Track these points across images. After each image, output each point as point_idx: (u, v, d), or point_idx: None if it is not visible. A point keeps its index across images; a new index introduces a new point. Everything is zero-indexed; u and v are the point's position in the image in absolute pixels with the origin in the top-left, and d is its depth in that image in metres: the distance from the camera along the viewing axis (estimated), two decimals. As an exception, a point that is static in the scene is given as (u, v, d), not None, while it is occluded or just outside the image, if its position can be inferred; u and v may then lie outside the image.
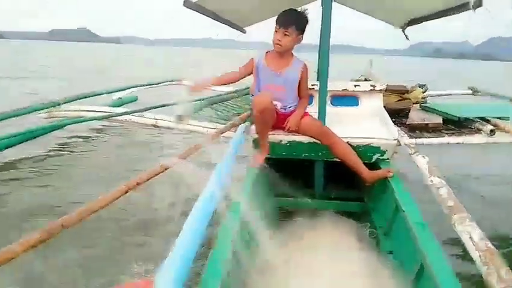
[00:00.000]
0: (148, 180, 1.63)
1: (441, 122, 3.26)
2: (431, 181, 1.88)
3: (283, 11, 2.50)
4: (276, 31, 2.47)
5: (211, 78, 2.81)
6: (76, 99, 3.54)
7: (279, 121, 2.60)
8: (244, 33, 5.09)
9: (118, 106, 4.31)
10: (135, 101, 5.41)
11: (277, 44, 2.48)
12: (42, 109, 3.10)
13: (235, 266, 1.50)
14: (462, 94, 5.99)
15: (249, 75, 2.70)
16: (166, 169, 1.72)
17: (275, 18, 2.51)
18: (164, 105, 3.40)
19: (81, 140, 4.91)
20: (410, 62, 52.57)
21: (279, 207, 2.60)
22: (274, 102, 2.51)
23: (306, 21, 2.51)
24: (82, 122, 2.92)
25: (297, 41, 2.52)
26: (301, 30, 2.49)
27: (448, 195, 1.70)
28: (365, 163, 2.51)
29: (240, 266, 1.55)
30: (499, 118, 3.23)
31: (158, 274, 1.00)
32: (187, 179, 1.66)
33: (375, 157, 2.62)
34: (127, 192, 1.51)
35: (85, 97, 3.81)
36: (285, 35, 2.45)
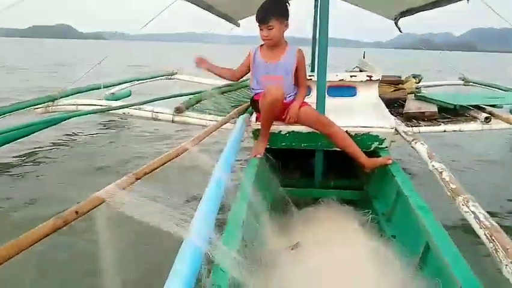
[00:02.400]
0: (156, 169, 1.64)
1: (437, 110, 3.31)
2: (433, 166, 1.92)
3: (260, 7, 2.50)
4: (260, 29, 2.51)
5: (216, 66, 2.81)
6: (71, 94, 3.51)
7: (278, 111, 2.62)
8: (238, 26, 5.10)
9: (113, 101, 4.28)
10: (129, 96, 5.38)
11: (265, 39, 2.53)
12: (38, 104, 3.08)
13: (244, 252, 1.52)
14: (454, 84, 6.07)
15: (249, 70, 2.72)
16: (172, 158, 1.73)
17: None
18: (163, 98, 3.40)
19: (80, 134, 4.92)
20: (394, 54, 52.96)
21: (282, 198, 2.62)
22: None
23: (285, 6, 2.53)
24: (79, 115, 2.90)
25: (284, 28, 2.55)
26: (283, 16, 2.51)
27: (450, 178, 1.74)
28: (364, 152, 2.54)
29: (249, 253, 1.57)
30: (493, 106, 3.29)
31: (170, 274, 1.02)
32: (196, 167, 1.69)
33: (373, 145, 2.65)
34: (137, 179, 1.52)
35: (80, 92, 3.77)
36: (269, 29, 2.48)
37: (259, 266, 1.64)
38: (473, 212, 1.38)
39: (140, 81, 5.32)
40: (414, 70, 5.16)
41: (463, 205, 1.47)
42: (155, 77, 5.62)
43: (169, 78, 5.82)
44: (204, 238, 1.23)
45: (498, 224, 1.32)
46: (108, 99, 4.22)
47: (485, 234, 1.25)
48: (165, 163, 1.63)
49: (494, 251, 1.17)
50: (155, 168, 1.56)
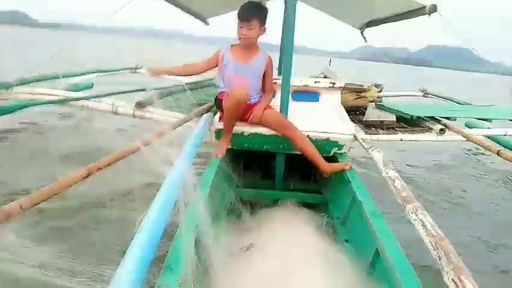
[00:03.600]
0: (109, 165, 1.60)
1: (395, 120, 3.42)
2: (387, 173, 1.98)
3: (243, 5, 2.53)
4: (240, 26, 2.50)
5: (173, 67, 2.81)
6: (28, 82, 3.36)
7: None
8: (208, 24, 5.05)
9: (73, 91, 4.14)
10: (91, 87, 5.19)
11: (243, 37, 2.53)
12: (-10, 91, 2.93)
13: (197, 253, 1.51)
14: (414, 95, 6.29)
15: (215, 67, 2.71)
16: (127, 155, 1.68)
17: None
18: (124, 92, 3.32)
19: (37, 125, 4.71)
20: (354, 64, 54.39)
21: (240, 198, 2.62)
22: None
23: (267, 12, 2.57)
24: (35, 105, 2.78)
25: (261, 32, 2.59)
26: (263, 21, 2.56)
27: (401, 186, 1.80)
28: (323, 156, 2.58)
29: (202, 256, 1.56)
30: (447, 118, 3.44)
31: (117, 270, 0.97)
32: (148, 165, 1.65)
33: (333, 151, 2.71)
34: (87, 176, 1.47)
35: (38, 80, 3.61)
36: (249, 28, 2.51)
37: (211, 267, 1.64)
38: (421, 220, 1.44)
39: (103, 73, 5.16)
40: (374, 80, 5.32)
41: (412, 213, 1.52)
42: (118, 70, 5.47)
43: (133, 72, 5.69)
44: (155, 237, 1.20)
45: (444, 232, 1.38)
46: (70, 90, 4.08)
47: (430, 242, 1.30)
48: (119, 159, 1.59)
49: (438, 258, 1.22)
50: (109, 164, 1.52)
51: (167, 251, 1.38)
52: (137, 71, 5.75)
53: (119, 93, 3.28)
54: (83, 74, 4.77)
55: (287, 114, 2.64)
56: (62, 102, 2.92)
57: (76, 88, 4.57)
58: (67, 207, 2.57)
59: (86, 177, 1.49)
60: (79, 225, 2.45)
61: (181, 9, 4.03)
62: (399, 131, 3.23)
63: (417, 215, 1.49)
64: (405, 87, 7.05)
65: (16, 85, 3.16)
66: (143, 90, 3.29)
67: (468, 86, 26.36)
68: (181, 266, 1.28)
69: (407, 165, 4.52)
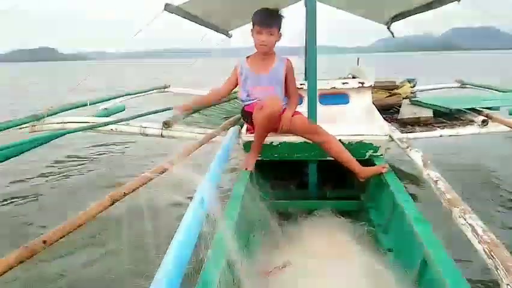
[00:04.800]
0: (135, 190, 1.56)
1: (432, 115, 3.24)
2: (428, 175, 1.83)
3: (260, 12, 2.47)
4: (259, 32, 2.44)
5: (200, 98, 2.74)
6: (59, 112, 3.44)
7: None
8: (230, 37, 5.04)
9: (105, 117, 4.21)
10: (123, 110, 5.30)
11: (263, 45, 2.46)
12: (24, 123, 3.00)
13: (230, 274, 1.43)
14: (450, 87, 6.00)
15: (236, 85, 2.65)
16: (153, 177, 1.64)
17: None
18: (150, 113, 3.32)
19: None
20: (378, 58, 52.97)
21: (274, 211, 2.54)
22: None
23: (282, 18, 2.50)
24: (65, 134, 2.82)
25: (278, 39, 2.52)
26: (280, 27, 2.49)
27: (445, 188, 1.65)
28: (359, 160, 2.46)
29: (235, 274, 1.49)
30: (489, 108, 3.21)
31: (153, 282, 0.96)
32: (178, 185, 1.60)
33: (368, 154, 2.58)
34: (112, 204, 1.44)
35: (69, 109, 3.71)
36: (270, 34, 2.45)
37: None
38: (470, 225, 1.30)
39: (132, 96, 5.24)
40: (405, 74, 5.05)
41: (459, 217, 1.38)
42: (147, 91, 5.55)
43: (162, 92, 5.75)
44: (182, 265, 1.14)
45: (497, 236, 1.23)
46: (101, 115, 4.15)
47: (484, 250, 1.16)
48: (145, 183, 1.54)
49: (494, 269, 1.09)
50: (134, 189, 1.47)
51: (198, 276, 1.32)
52: (166, 90, 5.82)
53: (146, 114, 3.30)
54: (111, 98, 4.85)
55: (316, 119, 2.54)
56: (91, 128, 2.95)
57: (107, 113, 4.67)
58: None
59: (111, 205, 1.46)
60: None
61: (202, 24, 4.03)
62: (438, 127, 3.04)
63: (465, 219, 1.35)
64: (432, 79, 6.69)
65: (48, 115, 3.24)
66: (169, 109, 3.28)
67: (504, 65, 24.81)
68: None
69: (449, 163, 4.22)
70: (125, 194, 1.52)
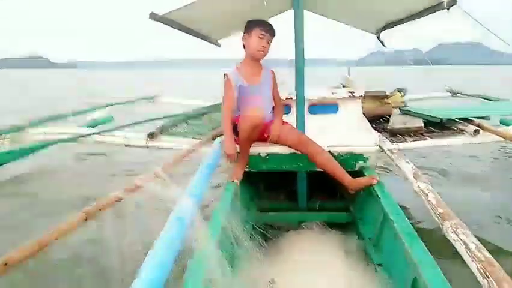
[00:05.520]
0: (111, 204, 1.47)
1: (423, 125, 3.19)
2: (418, 186, 1.77)
3: (262, 21, 2.47)
4: (261, 37, 2.42)
5: (228, 129, 2.57)
6: (42, 122, 3.33)
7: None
8: (219, 46, 4.99)
9: (93, 127, 4.12)
10: (110, 121, 5.21)
11: (262, 50, 2.45)
12: (3, 134, 2.91)
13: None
14: (441, 97, 5.99)
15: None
16: (121, 198, 1.53)
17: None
18: (135, 123, 3.25)
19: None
20: (368, 71, 53.19)
21: (262, 223, 2.46)
22: None
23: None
24: (46, 146, 2.73)
25: None
26: None
27: (436, 201, 1.59)
28: (348, 172, 2.39)
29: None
30: (481, 118, 3.18)
31: None
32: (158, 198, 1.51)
33: (358, 165, 2.51)
34: (86, 220, 1.35)
35: (52, 119, 3.59)
36: (268, 43, 2.46)
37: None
38: (463, 241, 1.23)
39: (121, 105, 5.15)
40: (393, 86, 4.97)
41: (451, 232, 1.32)
42: (135, 101, 5.46)
43: (150, 101, 5.67)
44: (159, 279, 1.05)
45: (491, 252, 1.17)
46: (89, 126, 4.05)
47: (477, 269, 1.10)
48: (119, 199, 1.46)
49: (490, 289, 1.02)
50: (107, 206, 1.39)
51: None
52: (153, 100, 5.74)
53: (131, 124, 3.22)
54: (99, 107, 4.76)
55: (304, 130, 2.48)
56: (73, 139, 2.86)
57: (95, 123, 4.58)
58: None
59: (85, 221, 1.37)
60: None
61: (192, 34, 3.97)
62: (429, 137, 2.99)
63: (457, 235, 1.28)
64: (425, 90, 6.69)
65: (30, 126, 3.14)
66: (156, 119, 3.21)
67: (493, 81, 25.05)
68: None
69: (439, 173, 4.15)
70: (100, 209, 1.43)
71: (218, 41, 4.81)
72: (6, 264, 1.04)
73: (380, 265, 1.84)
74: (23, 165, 3.80)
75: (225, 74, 2.52)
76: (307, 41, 2.48)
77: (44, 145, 2.79)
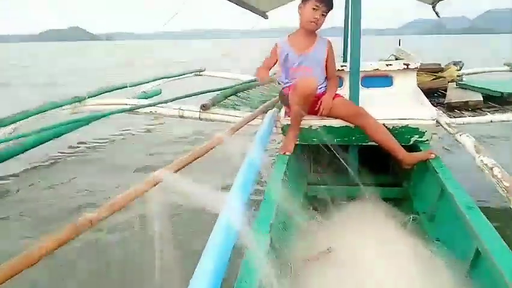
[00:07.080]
0: (191, 162, 1.48)
1: (482, 99, 3.05)
2: (482, 161, 1.71)
3: None
4: (315, 9, 2.37)
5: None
6: (99, 94, 3.50)
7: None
8: (266, 18, 4.95)
9: (143, 99, 4.27)
10: (159, 94, 5.38)
11: (314, 22, 2.40)
12: (65, 105, 3.07)
13: (275, 256, 1.40)
14: (499, 71, 5.67)
15: (275, 63, 2.59)
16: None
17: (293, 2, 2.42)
18: (188, 95, 3.32)
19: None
20: (410, 41, 50.38)
21: (313, 196, 2.48)
22: None
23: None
24: (106, 115, 2.86)
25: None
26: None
27: (502, 175, 1.54)
28: (402, 146, 2.35)
29: (279, 256, 1.45)
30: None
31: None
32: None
33: (413, 139, 2.46)
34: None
35: (108, 91, 3.76)
36: (323, 15, 2.40)
37: (288, 273, 1.52)
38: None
39: (169, 79, 5.28)
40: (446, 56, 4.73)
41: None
42: (183, 74, 5.57)
43: (198, 75, 5.76)
44: (238, 215, 1.16)
45: None
46: (140, 98, 4.21)
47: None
48: (198, 157, 1.51)
49: None
50: (191, 162, 1.44)
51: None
52: (202, 73, 5.82)
53: (185, 96, 3.29)
54: (149, 81, 4.89)
55: (358, 102, 2.44)
56: (131, 110, 2.98)
57: (145, 96, 4.73)
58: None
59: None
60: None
61: (239, 5, 3.96)
62: (488, 112, 2.86)
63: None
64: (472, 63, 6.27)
65: (88, 97, 3.29)
66: (208, 91, 3.27)
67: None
68: (254, 278, 1.18)
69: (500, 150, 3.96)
70: (182, 166, 1.43)
71: (266, 13, 4.78)
72: (91, 221, 1.12)
73: (437, 239, 1.81)
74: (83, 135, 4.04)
75: (276, 44, 2.52)
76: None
77: (103, 115, 2.92)
